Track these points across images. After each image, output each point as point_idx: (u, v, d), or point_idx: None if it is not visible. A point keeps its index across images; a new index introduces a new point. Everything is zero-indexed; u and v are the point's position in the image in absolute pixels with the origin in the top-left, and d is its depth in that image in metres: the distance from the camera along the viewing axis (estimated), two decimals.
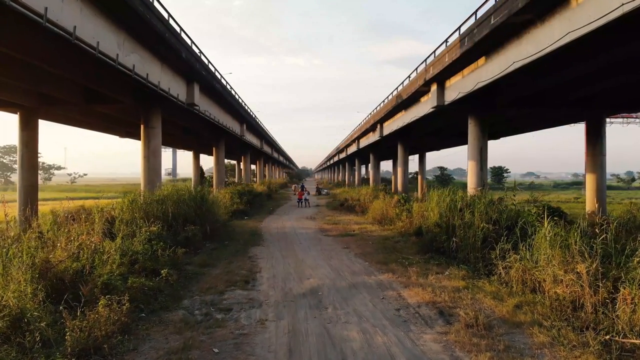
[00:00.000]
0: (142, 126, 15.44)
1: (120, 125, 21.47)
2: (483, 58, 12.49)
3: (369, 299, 6.62)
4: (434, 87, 16.04)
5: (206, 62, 16.68)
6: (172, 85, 14.22)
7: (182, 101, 15.37)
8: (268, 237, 13.29)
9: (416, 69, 17.66)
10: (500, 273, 7.33)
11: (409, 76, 19.05)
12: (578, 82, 13.25)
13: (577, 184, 78.66)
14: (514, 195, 9.37)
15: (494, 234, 8.70)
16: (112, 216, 11.10)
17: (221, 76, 19.40)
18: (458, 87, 14.44)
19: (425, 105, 17.88)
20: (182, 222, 11.26)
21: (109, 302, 5.18)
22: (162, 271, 6.81)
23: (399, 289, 7.15)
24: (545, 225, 6.84)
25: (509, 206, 9.31)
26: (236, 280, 7.67)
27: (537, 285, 6.67)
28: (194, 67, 14.88)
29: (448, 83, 15.38)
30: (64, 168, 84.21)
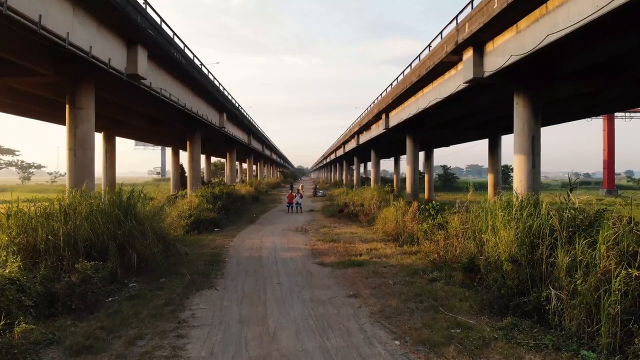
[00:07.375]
0: (67, 106, 11.18)
1: (59, 110, 16.95)
2: None
3: None
4: (467, 54, 11.72)
5: (158, 20, 12.25)
6: (97, 43, 9.79)
7: (119, 70, 10.94)
8: (232, 267, 8.86)
9: (440, 33, 13.32)
10: None
11: (429, 45, 14.69)
12: None
13: (586, 183, 75.58)
14: None
15: None
16: None
17: (185, 46, 14.95)
18: (508, 48, 10.13)
19: (452, 82, 13.58)
20: (85, 252, 6.91)
21: None
22: None
23: None
24: None
25: None
26: None
27: None
28: (134, 22, 10.46)
29: (490, 46, 11.06)
30: (44, 167, 79.68)
